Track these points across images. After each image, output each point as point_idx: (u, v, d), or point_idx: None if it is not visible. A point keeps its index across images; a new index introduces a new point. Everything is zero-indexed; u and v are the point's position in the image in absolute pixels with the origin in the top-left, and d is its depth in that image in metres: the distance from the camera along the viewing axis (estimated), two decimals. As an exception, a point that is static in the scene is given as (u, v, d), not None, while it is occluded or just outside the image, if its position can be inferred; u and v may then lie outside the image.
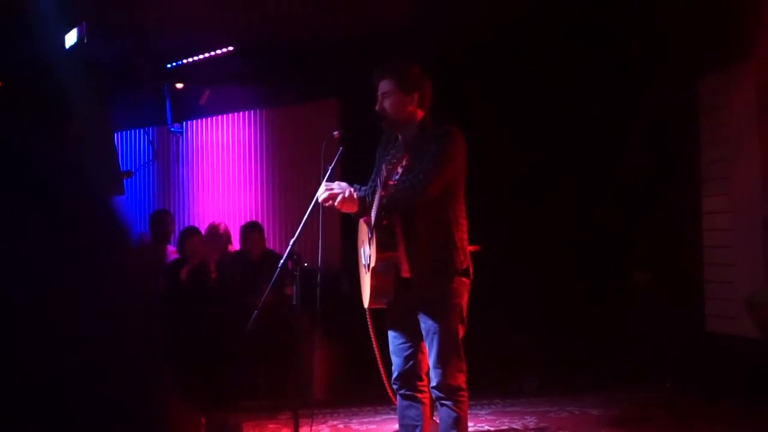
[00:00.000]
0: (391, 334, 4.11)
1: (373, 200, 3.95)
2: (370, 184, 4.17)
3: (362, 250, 4.17)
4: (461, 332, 3.95)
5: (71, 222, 0.68)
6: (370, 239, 3.95)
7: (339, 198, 3.94)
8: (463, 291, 3.97)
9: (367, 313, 4.20)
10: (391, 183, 3.82)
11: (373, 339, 4.28)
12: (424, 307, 3.93)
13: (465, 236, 4.01)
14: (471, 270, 4.01)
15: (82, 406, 0.65)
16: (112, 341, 0.69)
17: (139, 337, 0.72)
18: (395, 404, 4.22)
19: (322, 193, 3.97)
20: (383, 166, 3.80)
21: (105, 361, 0.68)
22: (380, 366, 4.33)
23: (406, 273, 3.91)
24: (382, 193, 3.79)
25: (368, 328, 4.23)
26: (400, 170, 3.91)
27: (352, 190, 4.01)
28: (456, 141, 3.96)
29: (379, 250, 3.86)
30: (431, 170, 3.84)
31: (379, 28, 6.96)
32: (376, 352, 4.31)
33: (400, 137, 4.09)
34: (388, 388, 4.25)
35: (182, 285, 7.08)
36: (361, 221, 4.20)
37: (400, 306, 4.02)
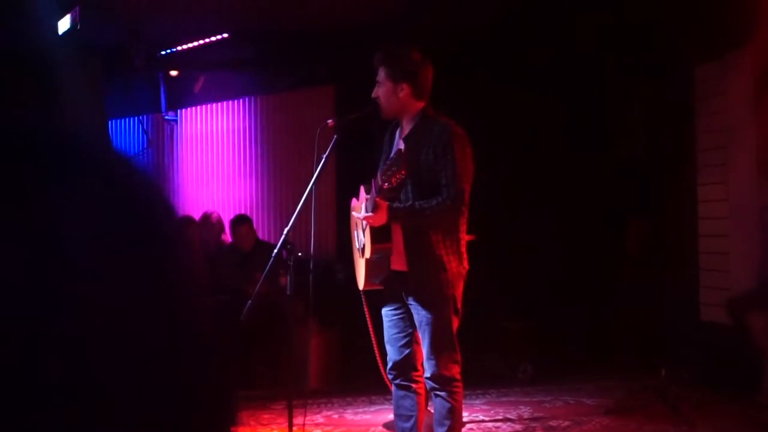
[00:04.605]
0: (386, 324, 4.10)
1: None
2: (381, 166, 4.13)
3: (355, 233, 4.15)
4: (455, 323, 3.93)
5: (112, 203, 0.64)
6: (364, 228, 3.94)
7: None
8: (458, 282, 3.94)
9: (362, 296, 4.19)
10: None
11: (369, 324, 4.26)
12: (418, 298, 3.91)
13: (462, 235, 3.97)
14: (465, 260, 3.98)
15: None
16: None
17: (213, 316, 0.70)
18: (390, 391, 4.21)
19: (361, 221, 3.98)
20: (378, 174, 3.74)
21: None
22: (376, 352, 4.32)
23: (396, 265, 3.89)
24: (378, 200, 3.76)
25: (364, 313, 4.22)
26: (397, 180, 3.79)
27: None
28: (463, 146, 3.90)
29: (373, 242, 3.85)
30: (457, 192, 3.81)
31: (376, 13, 6.91)
32: (372, 337, 4.30)
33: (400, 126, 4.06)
34: (383, 374, 4.23)
35: None
36: (353, 205, 4.19)
37: (393, 296, 4.01)
